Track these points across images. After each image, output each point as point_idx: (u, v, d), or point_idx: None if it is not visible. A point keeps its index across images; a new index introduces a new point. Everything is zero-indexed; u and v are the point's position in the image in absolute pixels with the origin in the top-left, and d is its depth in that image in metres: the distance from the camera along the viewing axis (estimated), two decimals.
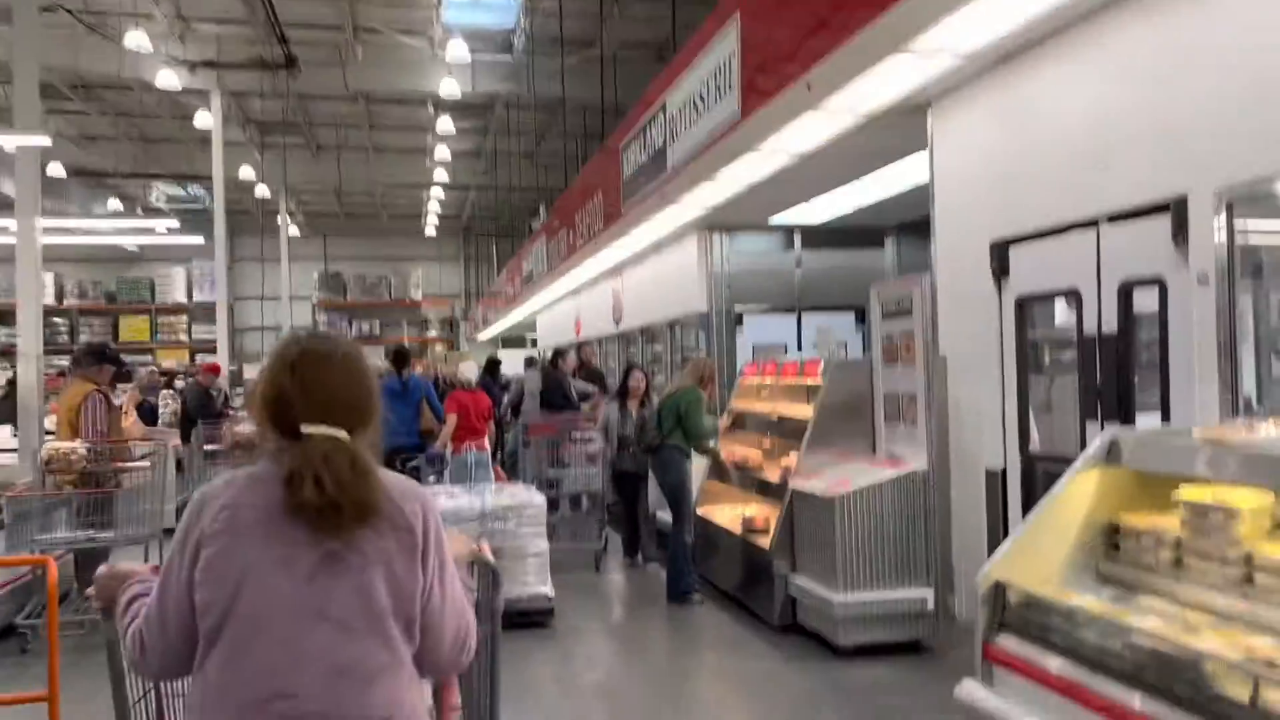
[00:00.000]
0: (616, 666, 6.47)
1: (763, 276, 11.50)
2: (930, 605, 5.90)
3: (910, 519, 5.90)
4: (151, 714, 2.38)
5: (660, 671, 6.21)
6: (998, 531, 6.02)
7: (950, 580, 6.35)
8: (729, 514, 7.66)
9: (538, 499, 7.16)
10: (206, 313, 30.06)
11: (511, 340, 28.24)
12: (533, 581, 6.96)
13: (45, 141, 10.05)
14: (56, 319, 28.90)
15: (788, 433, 7.10)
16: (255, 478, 1.96)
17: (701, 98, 8.16)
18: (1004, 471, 6.05)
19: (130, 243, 27.72)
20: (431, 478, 9.29)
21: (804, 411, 6.99)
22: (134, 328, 29.73)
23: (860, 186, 9.40)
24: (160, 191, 28.16)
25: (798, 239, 11.57)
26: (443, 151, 22.05)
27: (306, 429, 1.95)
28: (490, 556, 2.71)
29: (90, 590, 2.21)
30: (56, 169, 22.53)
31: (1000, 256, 6.01)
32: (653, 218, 10.57)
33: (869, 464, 6.27)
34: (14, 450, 9.57)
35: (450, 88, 17.10)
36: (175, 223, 19.92)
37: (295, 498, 1.88)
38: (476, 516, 6.93)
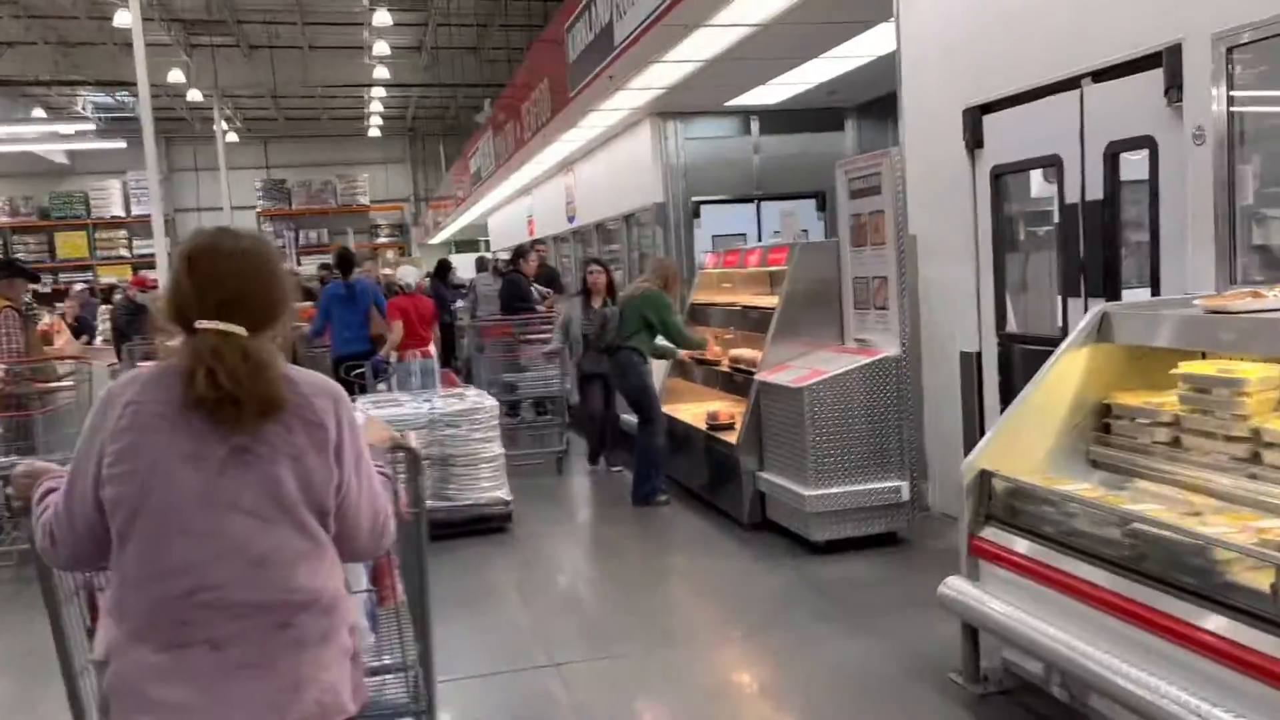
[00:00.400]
0: (580, 570, 6.21)
1: (720, 165, 11.02)
2: (905, 496, 5.65)
3: (881, 408, 5.60)
4: (85, 611, 2.45)
5: (626, 574, 5.95)
6: (974, 418, 5.76)
7: (925, 470, 6.10)
8: (693, 411, 7.36)
9: (489, 402, 6.80)
10: (146, 227, 28.98)
11: (464, 244, 27.58)
12: (488, 486, 6.68)
13: None
14: None
15: (752, 324, 6.75)
16: (159, 375, 1.94)
17: None
18: (979, 355, 5.76)
19: (47, 150, 26.50)
20: (381, 386, 8.90)
21: (768, 301, 6.63)
22: (70, 244, 28.59)
23: (819, 65, 8.91)
24: (87, 100, 26.80)
25: (755, 124, 11.06)
26: (381, 47, 20.97)
27: (200, 324, 1.91)
28: (413, 442, 2.79)
29: (8, 489, 2.19)
30: None
31: (973, 125, 5.61)
32: (602, 104, 10.02)
33: (837, 352, 5.95)
34: None
35: None
36: (91, 125, 18.84)
37: (191, 393, 1.87)
38: (425, 423, 6.58)
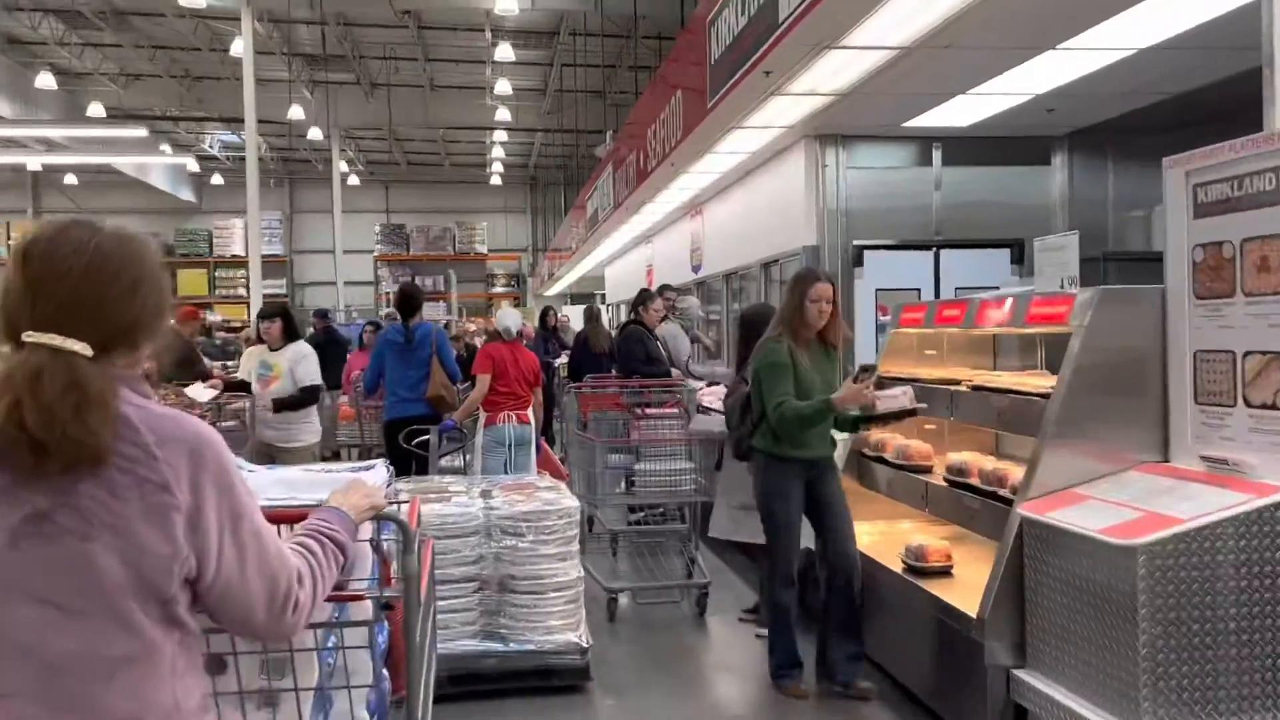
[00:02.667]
0: None
1: (891, 202, 8.51)
2: None
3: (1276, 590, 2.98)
4: None
5: None
6: None
7: None
8: (877, 535, 4.82)
9: (567, 502, 4.39)
10: (268, 266, 27.95)
11: (580, 297, 25.55)
12: (558, 626, 4.31)
13: None
14: None
15: (992, 414, 4.18)
16: None
17: None
18: None
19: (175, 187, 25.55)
20: (447, 458, 6.61)
21: (1028, 381, 4.06)
22: (191, 282, 27.61)
23: (1048, 63, 6.39)
24: (214, 138, 25.92)
25: (937, 153, 8.54)
26: (503, 86, 19.22)
27: (27, 336, 1.43)
28: (401, 516, 2.12)
29: None
30: (97, 109, 20.34)
31: None
32: (748, 119, 7.66)
33: (1173, 478, 3.34)
34: None
35: (508, 2, 14.24)
36: (168, 149, 17.40)
37: None
38: (476, 529, 4.23)
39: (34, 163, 25.67)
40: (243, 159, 24.75)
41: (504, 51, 17.06)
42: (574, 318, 17.20)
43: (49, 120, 19.27)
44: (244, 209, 26.53)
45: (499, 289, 28.52)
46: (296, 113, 20.46)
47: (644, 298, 7.96)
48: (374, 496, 1.98)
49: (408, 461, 6.39)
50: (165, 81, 20.87)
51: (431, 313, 25.80)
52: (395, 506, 2.25)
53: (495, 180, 28.45)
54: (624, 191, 11.94)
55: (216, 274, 28.01)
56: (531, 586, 4.25)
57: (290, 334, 6.42)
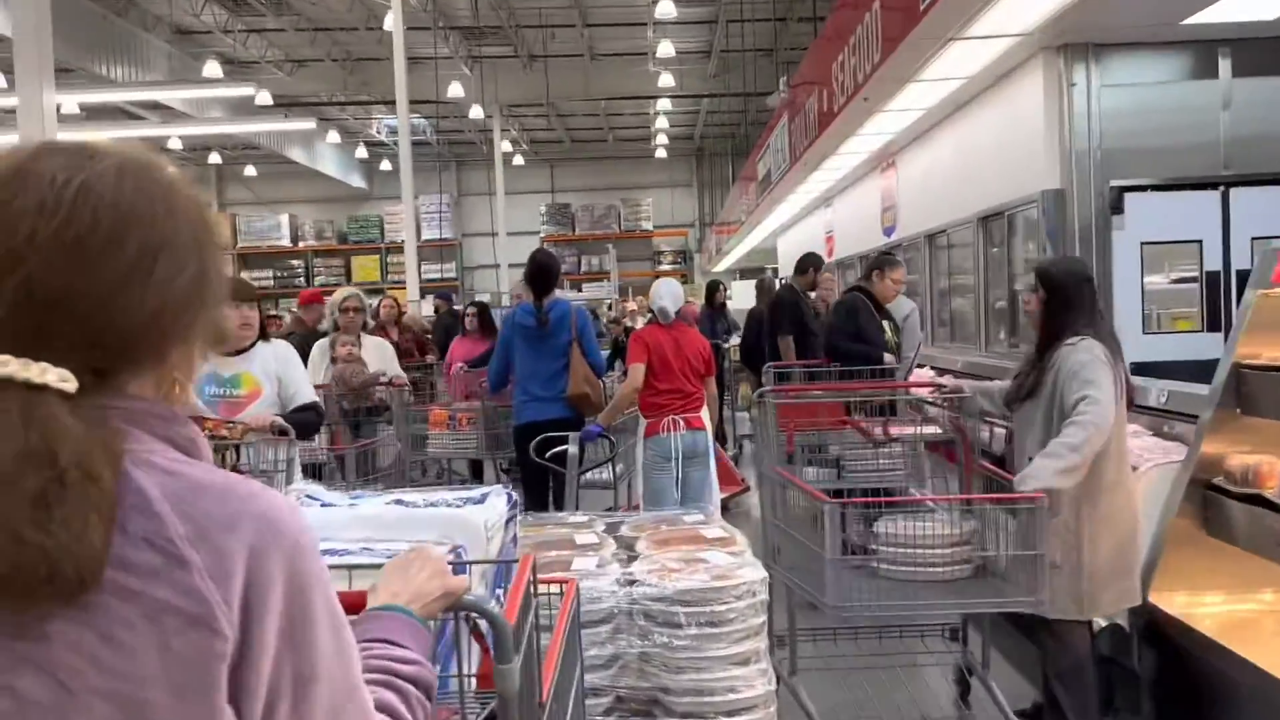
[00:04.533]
0: None
1: (1161, 129, 6.42)
2: None
3: None
4: None
5: None
6: None
7: None
8: (1244, 617, 2.97)
9: (752, 574, 2.70)
10: (435, 250, 27.59)
11: (750, 271, 23.77)
12: None
13: None
14: (292, 261, 27.17)
15: None
16: None
17: None
18: None
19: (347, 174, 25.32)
20: (597, 474, 5.08)
21: None
22: (364, 268, 27.48)
23: None
24: (382, 123, 25.52)
25: (1225, 62, 6.37)
26: (666, 48, 17.64)
27: None
28: (489, 605, 1.37)
29: None
30: (264, 97, 20.03)
31: None
32: (971, 23, 5.75)
33: None
34: None
35: None
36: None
37: None
38: (608, 614, 2.64)
39: (214, 155, 26.02)
40: (415, 144, 24.37)
41: (665, 8, 15.47)
42: (740, 294, 15.49)
43: (215, 117, 19.02)
44: (416, 194, 26.41)
45: (665, 266, 27.11)
46: (456, 90, 19.56)
47: (882, 262, 6.07)
48: (445, 576, 1.28)
49: (544, 480, 4.92)
50: (328, 66, 20.37)
51: (594, 292, 24.69)
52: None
53: (660, 153, 27.01)
54: (802, 143, 10.12)
55: (388, 260, 27.78)
56: (696, 707, 2.64)
57: (268, 328, 4.27)
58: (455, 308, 12.11)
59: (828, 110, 8.61)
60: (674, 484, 4.69)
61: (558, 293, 5.32)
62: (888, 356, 5.42)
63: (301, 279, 26.68)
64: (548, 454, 4.57)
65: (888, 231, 10.52)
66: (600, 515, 3.40)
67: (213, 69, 16.94)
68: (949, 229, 8.63)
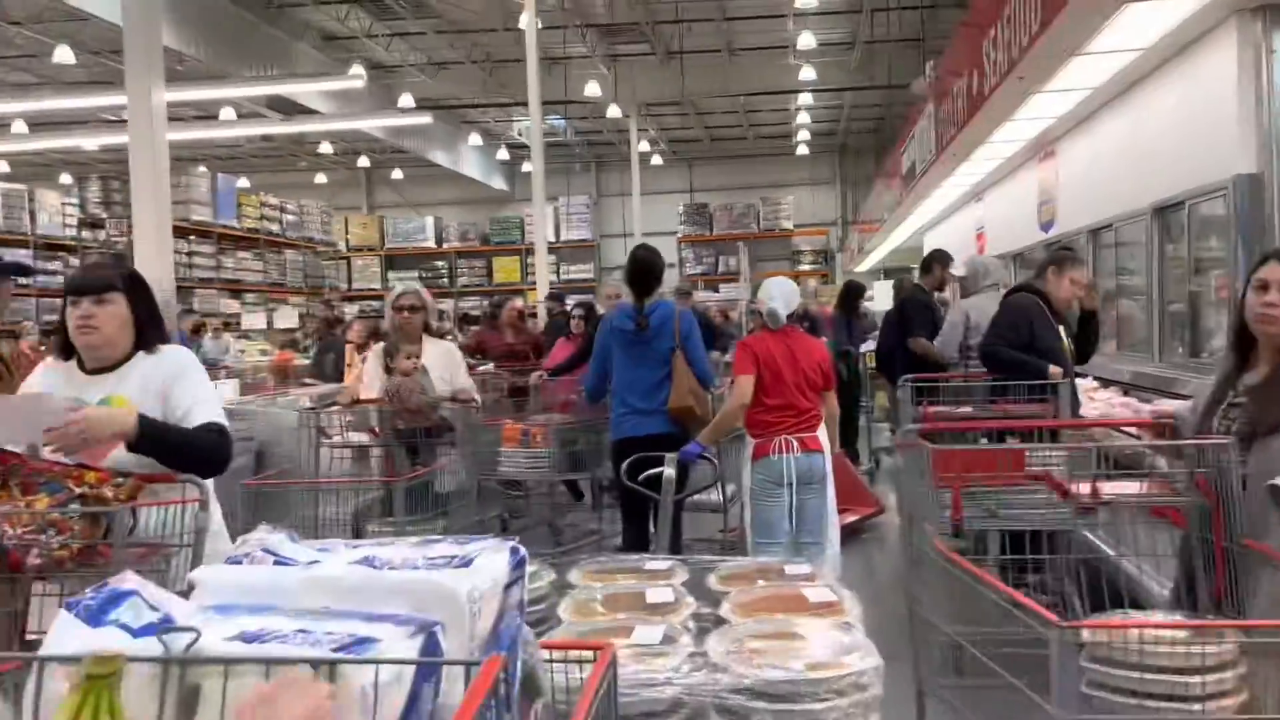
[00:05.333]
0: None
1: None
2: None
3: None
4: None
5: None
6: None
7: None
8: None
9: (859, 659, 2.07)
10: (575, 251, 27.55)
11: (893, 270, 22.63)
12: None
13: None
14: (437, 262, 27.58)
15: None
16: None
17: None
18: None
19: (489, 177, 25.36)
20: (707, 494, 4.51)
21: None
22: (505, 269, 27.66)
23: None
24: (522, 126, 25.57)
25: None
26: (807, 40, 16.89)
27: None
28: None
29: None
30: (406, 100, 20.26)
31: None
32: None
33: None
34: None
35: None
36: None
37: None
38: (677, 701, 2.04)
39: (363, 159, 26.66)
40: (554, 145, 24.32)
41: None
42: (880, 295, 14.53)
43: (356, 112, 19.30)
44: (555, 195, 26.44)
45: (805, 266, 26.20)
46: (593, 90, 19.30)
47: (1060, 258, 5.20)
48: None
49: (647, 503, 4.37)
50: (468, 68, 20.44)
51: (730, 293, 24.04)
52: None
53: (801, 150, 26.12)
54: (949, 131, 9.25)
55: (528, 261, 27.87)
56: None
57: (143, 328, 2.78)
58: (566, 308, 11.67)
59: (978, 93, 7.76)
60: (786, 514, 4.06)
61: (678, 298, 4.80)
62: (1055, 369, 4.54)
63: (445, 280, 27.08)
64: (640, 477, 4.04)
65: (1045, 227, 9.52)
66: (684, 563, 2.82)
67: (357, 73, 17.20)
68: (1117, 223, 7.64)
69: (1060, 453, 3.20)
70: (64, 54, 14.43)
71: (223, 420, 2.70)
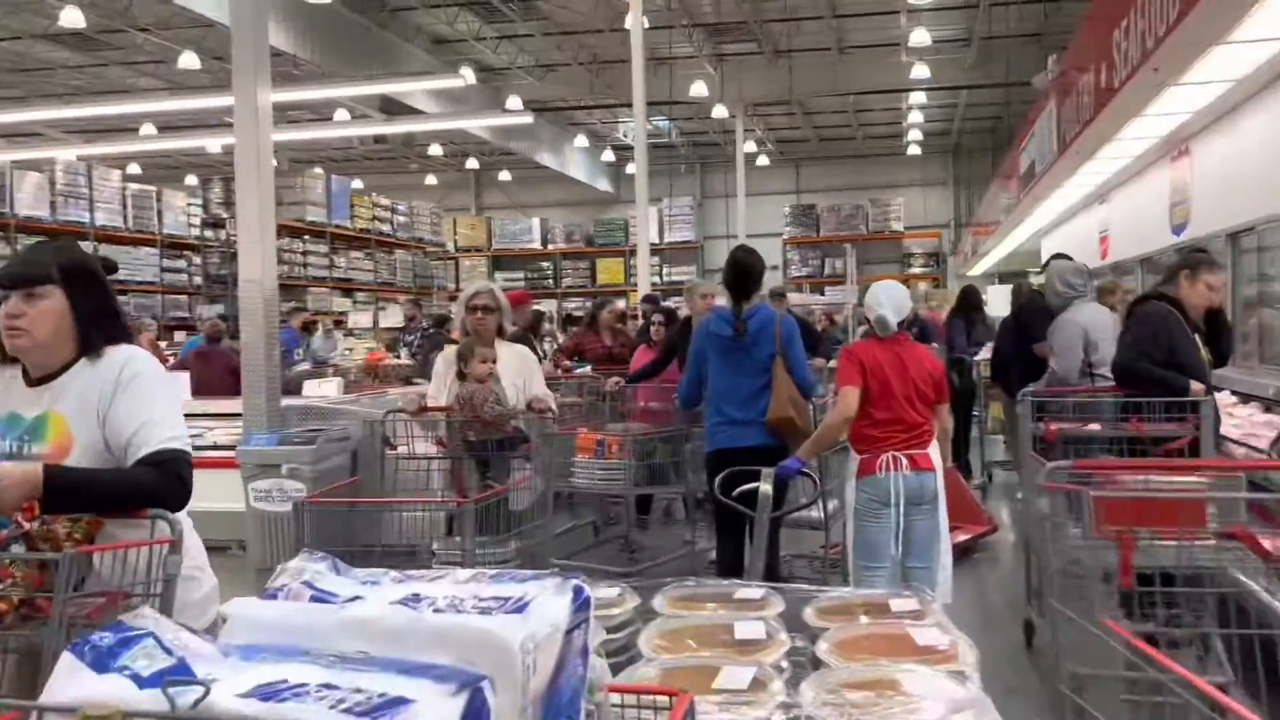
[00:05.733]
0: None
1: None
2: None
3: None
4: None
5: None
6: None
7: None
8: None
9: (973, 715, 1.80)
10: (678, 253, 27.42)
11: (1009, 275, 21.78)
12: None
13: None
14: (542, 263, 27.79)
15: None
16: None
17: None
18: None
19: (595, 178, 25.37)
20: (810, 513, 4.28)
21: None
22: (609, 270, 27.70)
23: None
24: (627, 127, 25.57)
25: None
26: (920, 36, 16.34)
27: None
28: None
29: None
30: (514, 102, 20.44)
31: None
32: None
33: None
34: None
35: None
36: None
37: None
38: None
39: (472, 161, 27.04)
40: (658, 146, 24.22)
41: None
42: (995, 300, 13.94)
43: (464, 110, 19.49)
44: (658, 196, 26.36)
45: (916, 269, 25.48)
46: (700, 89, 19.11)
47: (1194, 262, 4.59)
48: None
49: (743, 520, 4.14)
50: (575, 70, 20.50)
51: (836, 296, 23.50)
52: None
53: (913, 150, 25.39)
54: (1073, 129, 8.73)
55: (631, 262, 27.87)
56: None
57: (92, 331, 2.27)
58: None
59: (1106, 87, 7.28)
60: (892, 536, 3.78)
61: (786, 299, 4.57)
62: (1197, 385, 4.11)
63: (550, 281, 27.28)
64: (733, 494, 3.83)
65: (1177, 230, 8.91)
66: (779, 591, 2.60)
67: (466, 74, 17.39)
68: (1259, 226, 7.07)
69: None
70: (189, 59, 15.00)
71: (177, 444, 2.18)
